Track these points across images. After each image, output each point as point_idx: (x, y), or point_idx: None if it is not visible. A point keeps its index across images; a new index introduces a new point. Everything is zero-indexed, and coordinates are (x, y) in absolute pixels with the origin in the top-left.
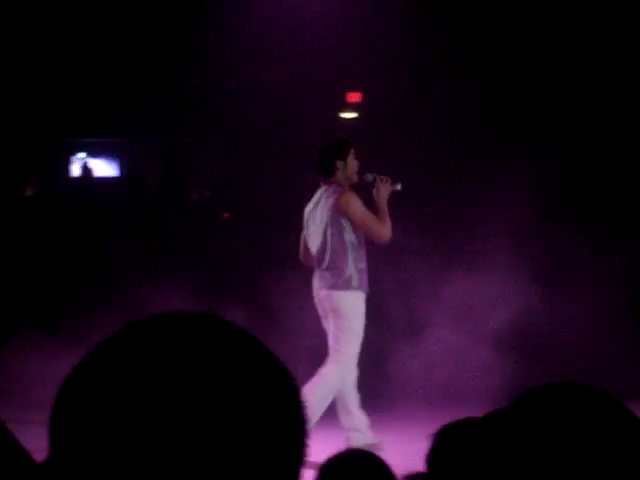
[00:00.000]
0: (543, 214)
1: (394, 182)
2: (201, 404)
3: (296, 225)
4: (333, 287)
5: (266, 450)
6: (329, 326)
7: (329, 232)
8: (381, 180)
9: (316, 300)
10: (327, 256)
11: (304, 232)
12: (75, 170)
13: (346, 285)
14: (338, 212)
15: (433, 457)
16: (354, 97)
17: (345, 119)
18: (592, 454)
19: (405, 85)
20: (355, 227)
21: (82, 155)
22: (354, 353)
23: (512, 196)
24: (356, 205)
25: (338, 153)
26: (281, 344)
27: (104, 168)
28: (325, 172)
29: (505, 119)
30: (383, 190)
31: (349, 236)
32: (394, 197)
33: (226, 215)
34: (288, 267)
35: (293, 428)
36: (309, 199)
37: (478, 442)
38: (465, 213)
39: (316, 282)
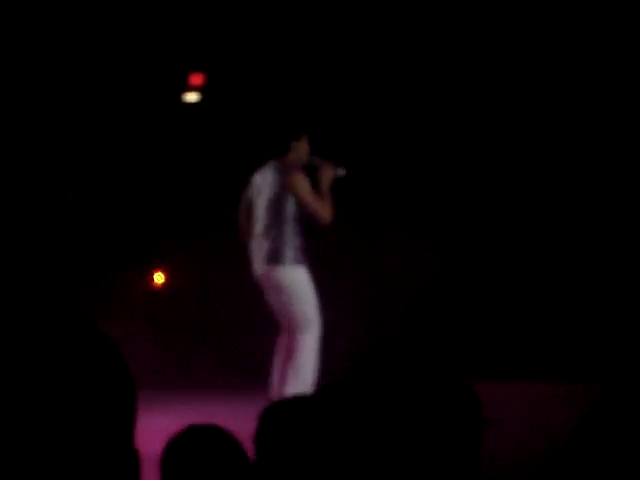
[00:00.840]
0: None
1: (338, 168)
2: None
3: (137, 204)
4: (279, 261)
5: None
6: (277, 300)
7: (277, 208)
8: (326, 165)
9: (259, 274)
10: (273, 230)
11: (246, 204)
12: None
13: (291, 259)
14: (288, 189)
15: (260, 435)
16: (197, 79)
17: (187, 102)
18: (426, 419)
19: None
20: (302, 205)
21: None
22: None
23: None
24: (306, 185)
25: (294, 133)
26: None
27: None
28: (278, 150)
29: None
30: (327, 174)
31: (295, 214)
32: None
33: (70, 196)
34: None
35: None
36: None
37: (307, 416)
38: None
39: (258, 256)
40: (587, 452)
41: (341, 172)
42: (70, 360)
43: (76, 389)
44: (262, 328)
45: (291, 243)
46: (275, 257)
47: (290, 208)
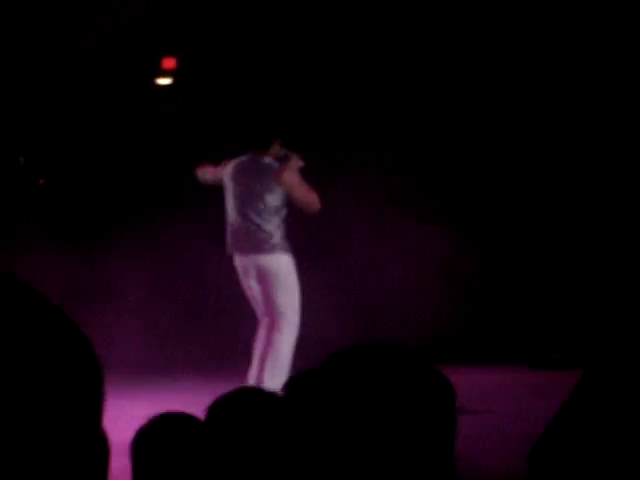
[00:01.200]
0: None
1: (302, 159)
2: None
3: (117, 189)
4: (269, 250)
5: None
6: (261, 289)
7: (265, 199)
8: (294, 156)
9: (243, 263)
10: (260, 220)
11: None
12: None
13: (281, 248)
14: (280, 183)
15: (208, 427)
16: (169, 63)
17: (160, 86)
18: (397, 409)
19: (225, 50)
20: (293, 197)
21: None
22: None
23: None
24: (298, 178)
25: (277, 130)
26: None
27: None
28: (261, 145)
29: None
30: (296, 164)
31: (283, 204)
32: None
33: (42, 181)
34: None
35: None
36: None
37: (255, 408)
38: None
39: (243, 244)
40: (569, 437)
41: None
42: (25, 341)
43: (34, 372)
44: (236, 314)
45: (281, 232)
46: (265, 246)
47: (278, 199)
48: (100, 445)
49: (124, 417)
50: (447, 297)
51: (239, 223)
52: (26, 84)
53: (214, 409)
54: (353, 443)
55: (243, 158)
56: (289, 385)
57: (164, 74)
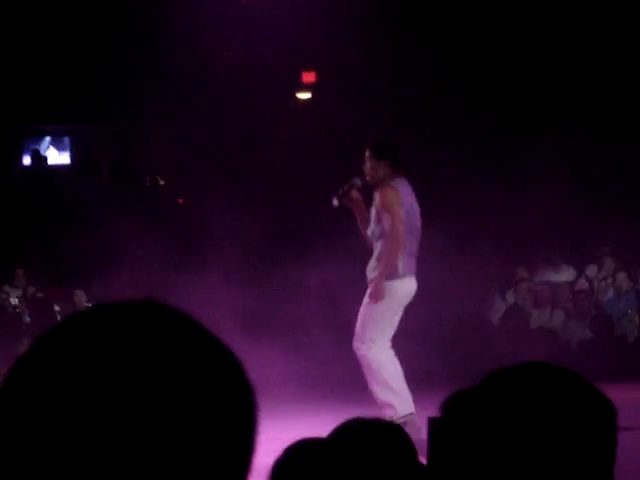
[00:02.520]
0: None
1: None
2: (142, 395)
3: (251, 207)
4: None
5: (213, 440)
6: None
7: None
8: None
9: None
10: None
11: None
12: (26, 159)
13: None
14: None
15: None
16: (309, 77)
17: (300, 99)
18: (560, 433)
19: (361, 65)
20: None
21: (34, 143)
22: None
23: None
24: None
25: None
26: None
27: (56, 156)
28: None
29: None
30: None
31: None
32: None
33: (181, 201)
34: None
35: (241, 414)
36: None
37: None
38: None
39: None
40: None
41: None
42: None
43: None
44: None
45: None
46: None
47: None
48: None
49: None
50: None
51: (414, 246)
52: (165, 98)
53: (338, 434)
54: (514, 462)
55: (404, 181)
56: (448, 404)
57: (304, 88)
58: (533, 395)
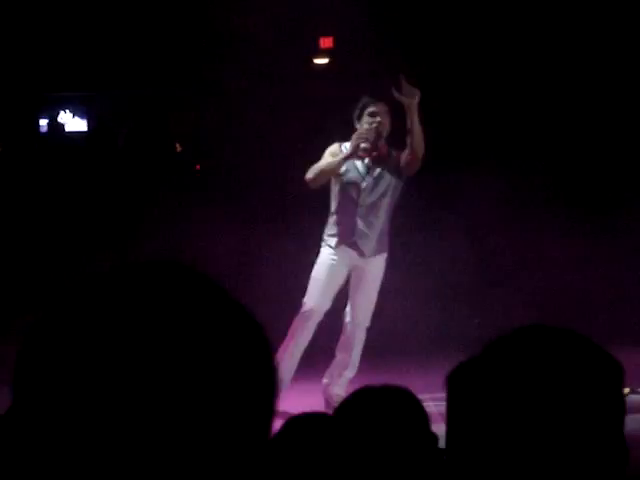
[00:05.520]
0: None
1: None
2: (169, 355)
3: (266, 176)
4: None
5: (237, 400)
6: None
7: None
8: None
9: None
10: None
11: None
12: (43, 126)
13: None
14: None
15: None
16: (326, 42)
17: (317, 65)
18: (566, 393)
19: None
20: None
21: (52, 109)
22: None
23: None
24: None
25: None
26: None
27: (73, 123)
28: None
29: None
30: None
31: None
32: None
33: (198, 167)
34: (259, 219)
35: (263, 377)
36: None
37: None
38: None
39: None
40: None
41: None
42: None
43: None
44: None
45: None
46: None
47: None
48: None
49: None
50: None
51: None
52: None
53: (343, 408)
54: (520, 428)
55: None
56: (453, 374)
57: (321, 54)
58: (536, 357)
